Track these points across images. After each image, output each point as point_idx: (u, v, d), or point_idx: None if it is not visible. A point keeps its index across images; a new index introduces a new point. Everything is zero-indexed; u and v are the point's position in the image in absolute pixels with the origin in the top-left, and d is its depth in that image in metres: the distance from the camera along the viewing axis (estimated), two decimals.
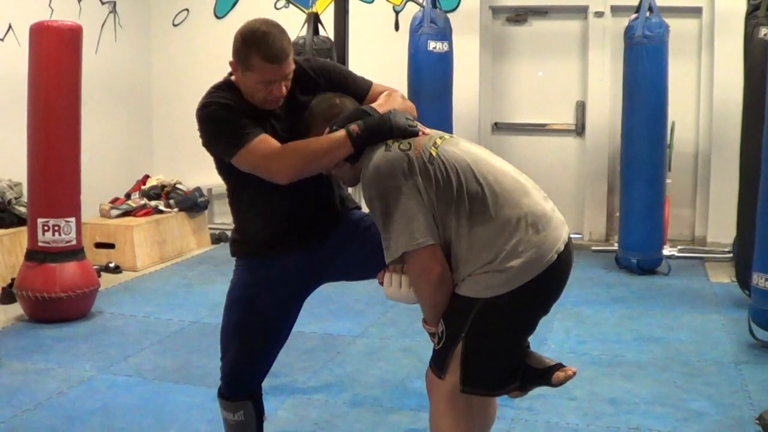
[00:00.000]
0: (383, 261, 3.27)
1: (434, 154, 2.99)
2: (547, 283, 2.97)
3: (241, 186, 3.43)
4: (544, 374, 3.10)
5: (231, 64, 3.29)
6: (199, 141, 3.34)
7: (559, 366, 3.11)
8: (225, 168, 3.38)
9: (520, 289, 2.90)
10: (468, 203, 2.92)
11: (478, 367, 2.97)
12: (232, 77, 3.36)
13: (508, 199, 2.95)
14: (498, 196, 2.95)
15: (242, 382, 3.67)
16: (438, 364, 3.04)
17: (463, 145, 3.10)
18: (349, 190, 3.69)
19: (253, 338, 3.57)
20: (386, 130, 3.08)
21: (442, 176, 2.94)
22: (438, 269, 2.93)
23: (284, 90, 3.26)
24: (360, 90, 3.44)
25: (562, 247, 2.97)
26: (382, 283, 3.28)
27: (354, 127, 3.10)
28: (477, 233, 2.92)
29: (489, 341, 2.97)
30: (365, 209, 3.36)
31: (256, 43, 3.16)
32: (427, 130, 3.17)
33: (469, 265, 2.93)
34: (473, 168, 2.98)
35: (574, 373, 3.11)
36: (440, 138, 3.10)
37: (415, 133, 3.10)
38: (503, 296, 2.90)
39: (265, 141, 3.19)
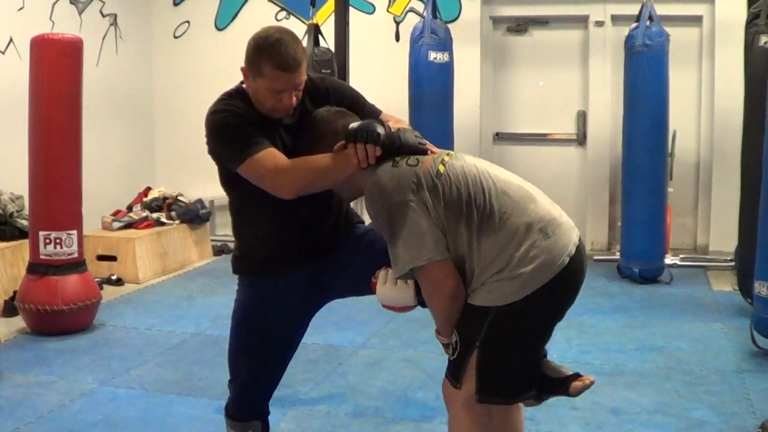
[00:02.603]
0: None
1: (442, 170, 2.99)
2: (560, 288, 2.96)
3: (246, 199, 3.39)
4: (562, 384, 3.09)
5: (242, 69, 3.26)
6: (201, 152, 3.33)
7: (577, 375, 3.09)
8: (230, 180, 3.35)
9: (534, 296, 2.89)
10: (477, 215, 2.93)
11: (494, 375, 2.97)
12: (244, 85, 3.33)
13: (515, 208, 2.96)
14: (505, 205, 2.95)
15: (252, 402, 3.67)
16: (454, 374, 3.05)
17: (468, 159, 3.11)
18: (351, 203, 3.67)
19: (261, 358, 3.56)
20: (395, 147, 3.06)
21: (450, 191, 2.94)
22: (451, 284, 2.94)
23: (294, 100, 3.23)
24: (370, 116, 3.39)
25: (573, 250, 2.96)
26: (375, 287, 3.23)
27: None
28: (487, 244, 2.92)
29: (504, 349, 2.97)
30: (368, 221, 3.35)
31: (268, 50, 3.13)
32: (436, 150, 3.16)
33: (483, 275, 2.93)
34: (480, 180, 2.99)
35: (592, 383, 3.09)
36: (447, 155, 3.10)
37: (423, 151, 3.10)
38: (516, 303, 2.89)
39: (273, 154, 3.16)
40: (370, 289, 3.41)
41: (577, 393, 3.09)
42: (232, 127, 3.21)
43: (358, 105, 3.44)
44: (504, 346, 2.97)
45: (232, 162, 3.23)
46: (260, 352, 3.54)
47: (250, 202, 3.39)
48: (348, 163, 3.07)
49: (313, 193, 3.24)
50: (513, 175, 3.15)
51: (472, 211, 2.93)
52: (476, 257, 2.93)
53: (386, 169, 3.00)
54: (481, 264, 2.93)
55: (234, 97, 3.32)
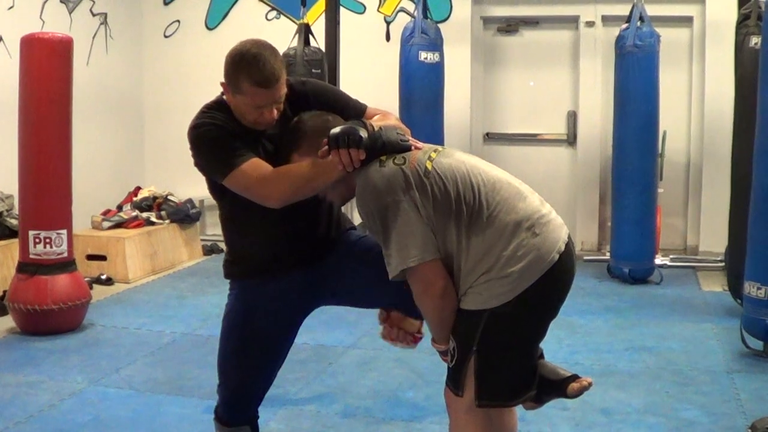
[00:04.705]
0: (379, 288, 3.26)
1: (429, 167, 2.96)
2: (551, 285, 2.95)
3: (237, 208, 3.36)
4: (560, 386, 3.07)
5: (222, 84, 3.24)
6: (191, 153, 3.32)
7: (575, 377, 3.08)
8: (218, 189, 3.33)
9: (525, 294, 2.87)
10: (466, 213, 2.91)
11: (492, 378, 2.95)
12: (225, 96, 3.30)
13: (504, 206, 2.93)
14: (493, 203, 2.93)
15: (242, 407, 3.65)
16: (454, 382, 3.01)
17: (458, 156, 3.08)
18: (343, 208, 3.66)
19: (252, 363, 3.53)
20: (378, 147, 3.02)
21: (438, 189, 2.92)
22: (440, 283, 2.92)
23: (275, 114, 3.21)
24: (355, 113, 3.37)
25: (563, 247, 2.94)
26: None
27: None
28: (475, 242, 2.90)
29: (501, 351, 2.95)
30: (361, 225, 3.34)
31: (246, 67, 3.11)
32: (421, 145, 3.13)
33: (471, 276, 2.91)
34: (469, 177, 2.96)
35: (590, 384, 3.08)
36: (435, 151, 3.06)
37: (407, 148, 3.06)
38: (509, 304, 2.87)
39: (257, 164, 3.15)
40: (363, 300, 3.48)
41: (575, 395, 3.07)
42: (215, 140, 3.20)
43: (341, 103, 3.40)
44: (501, 348, 2.94)
45: (217, 174, 3.22)
46: (251, 357, 3.52)
47: (240, 211, 3.37)
48: (333, 169, 3.05)
49: (302, 200, 3.22)
50: (502, 171, 3.12)
51: (461, 208, 2.91)
52: (465, 256, 2.92)
53: (374, 169, 2.98)
54: (469, 263, 2.91)
55: (214, 109, 3.30)
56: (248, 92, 3.13)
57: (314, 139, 3.16)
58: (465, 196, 2.92)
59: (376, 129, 3.09)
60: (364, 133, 3.03)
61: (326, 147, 3.06)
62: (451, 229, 2.92)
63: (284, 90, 3.22)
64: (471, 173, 2.99)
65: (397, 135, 3.09)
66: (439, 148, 3.13)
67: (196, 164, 3.31)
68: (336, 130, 3.05)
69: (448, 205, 2.92)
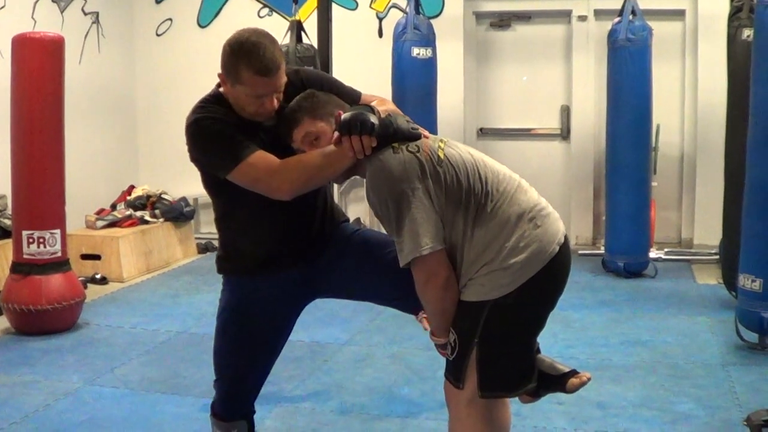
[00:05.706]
0: (376, 281, 3.26)
1: (442, 156, 2.98)
2: (552, 276, 2.97)
3: (234, 204, 3.35)
4: (559, 381, 3.10)
5: (220, 76, 3.21)
6: (185, 150, 3.26)
7: (573, 372, 3.10)
8: (216, 185, 3.31)
9: (527, 285, 2.90)
10: (474, 204, 2.93)
11: (494, 370, 2.96)
12: (221, 89, 3.28)
13: (507, 197, 2.97)
14: (497, 194, 2.96)
15: (238, 402, 3.65)
16: (455, 374, 3.02)
17: (462, 147, 3.11)
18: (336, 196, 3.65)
19: (248, 359, 3.53)
20: (389, 134, 3.00)
21: (451, 179, 2.94)
22: (444, 273, 2.93)
23: (276, 103, 3.19)
24: (351, 100, 3.35)
25: (562, 239, 2.99)
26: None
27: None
28: (479, 234, 2.93)
29: (503, 343, 2.96)
30: (363, 217, 3.34)
31: (246, 55, 3.08)
32: (428, 133, 3.13)
33: (473, 267, 2.93)
34: (477, 168, 2.99)
35: (589, 379, 3.11)
36: (441, 141, 3.08)
37: (418, 136, 3.06)
38: (511, 295, 2.89)
39: (264, 156, 3.12)
40: (360, 293, 3.51)
41: (574, 390, 3.10)
42: (217, 134, 3.16)
43: (335, 90, 3.38)
44: (502, 339, 2.96)
45: (222, 169, 3.17)
46: (247, 353, 3.51)
47: (237, 207, 3.35)
48: (344, 157, 3.03)
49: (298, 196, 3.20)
50: (501, 164, 3.14)
51: (470, 200, 2.93)
52: (468, 247, 2.93)
53: (389, 156, 2.95)
54: (471, 254, 2.93)
55: (212, 103, 3.27)
56: (248, 81, 3.11)
57: (315, 111, 3.16)
58: (474, 187, 2.94)
59: (383, 115, 3.08)
60: (375, 120, 3.02)
61: (337, 134, 3.06)
62: (459, 220, 2.94)
63: (284, 78, 3.20)
64: (478, 165, 3.02)
65: (407, 123, 3.08)
66: (444, 138, 3.14)
67: (194, 160, 3.28)
68: (347, 116, 3.04)
69: (458, 195, 2.93)
